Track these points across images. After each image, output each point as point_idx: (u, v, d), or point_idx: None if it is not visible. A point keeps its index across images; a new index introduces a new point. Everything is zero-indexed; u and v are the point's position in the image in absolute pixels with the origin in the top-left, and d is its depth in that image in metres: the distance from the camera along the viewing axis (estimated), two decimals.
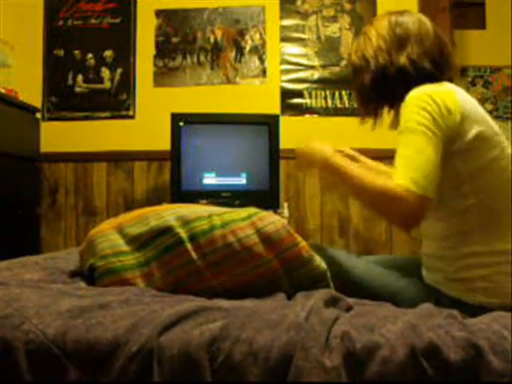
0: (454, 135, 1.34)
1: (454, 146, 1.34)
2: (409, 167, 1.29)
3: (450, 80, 1.50)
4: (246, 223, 1.38)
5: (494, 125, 1.42)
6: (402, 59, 1.49)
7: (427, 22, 1.55)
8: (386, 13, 1.63)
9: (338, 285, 1.42)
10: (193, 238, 1.36)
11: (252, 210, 1.44)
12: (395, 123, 1.54)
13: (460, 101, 1.36)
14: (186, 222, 1.40)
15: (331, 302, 1.17)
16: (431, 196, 1.28)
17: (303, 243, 1.38)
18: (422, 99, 1.35)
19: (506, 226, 1.37)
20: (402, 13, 1.59)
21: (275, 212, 2.82)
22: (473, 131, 1.34)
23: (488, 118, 1.41)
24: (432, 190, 1.28)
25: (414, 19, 1.55)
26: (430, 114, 1.32)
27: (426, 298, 1.37)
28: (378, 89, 1.56)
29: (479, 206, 1.36)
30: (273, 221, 1.39)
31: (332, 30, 3.66)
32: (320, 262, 1.39)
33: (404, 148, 1.33)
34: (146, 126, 3.65)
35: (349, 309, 1.19)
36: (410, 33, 1.52)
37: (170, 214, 1.44)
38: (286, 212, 3.14)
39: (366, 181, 1.36)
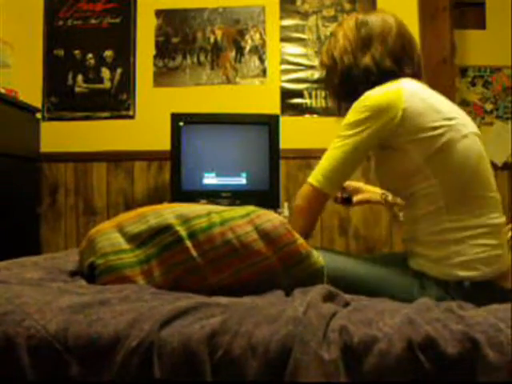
0: (397, 128, 1.47)
1: (401, 137, 1.48)
2: (318, 167, 1.55)
3: (415, 74, 1.63)
4: (244, 220, 1.40)
5: (451, 110, 1.52)
6: (366, 60, 1.61)
7: (391, 20, 1.65)
8: (355, 13, 1.77)
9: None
10: (192, 235, 1.37)
11: (250, 207, 1.45)
12: None
13: (404, 97, 1.47)
14: (185, 220, 1.40)
15: (329, 298, 1.18)
16: (327, 191, 1.54)
17: (301, 240, 1.40)
18: (355, 108, 1.53)
19: (475, 201, 1.47)
20: (368, 13, 1.70)
21: (275, 212, 2.83)
22: (418, 122, 1.46)
23: (443, 106, 1.51)
24: (328, 186, 1.54)
25: (379, 19, 1.65)
26: (356, 120, 1.51)
27: (411, 281, 1.46)
28: (344, 87, 1.67)
29: (442, 185, 1.46)
30: (271, 218, 1.41)
31: (332, 30, 3.67)
32: (317, 257, 1.41)
33: (327, 150, 1.56)
34: (146, 126, 3.66)
35: (346, 304, 1.19)
36: (373, 33, 1.62)
37: (169, 212, 1.45)
38: (286, 212, 3.14)
39: None
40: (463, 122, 1.52)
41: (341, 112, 1.71)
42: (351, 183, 2.10)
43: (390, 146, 1.52)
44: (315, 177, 1.54)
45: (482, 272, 1.42)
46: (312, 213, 1.59)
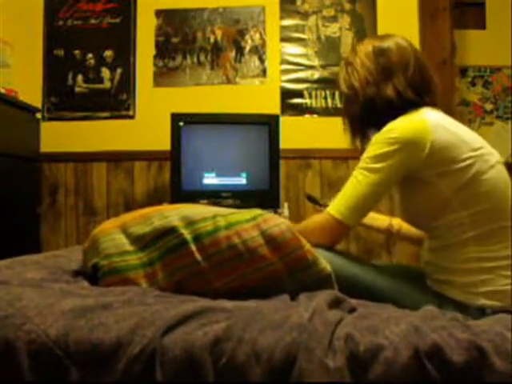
0: (426, 161, 1.44)
1: (429, 170, 1.45)
2: (340, 198, 1.53)
3: (434, 103, 1.61)
4: (250, 225, 1.38)
5: (476, 140, 1.50)
6: (389, 91, 1.59)
7: (407, 45, 1.66)
8: (367, 39, 1.73)
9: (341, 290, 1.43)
10: (197, 238, 1.36)
11: (257, 211, 1.43)
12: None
13: (431, 128, 1.46)
14: (190, 223, 1.39)
15: (335, 303, 1.17)
16: (349, 223, 1.52)
17: (308, 246, 1.37)
18: (382, 139, 1.50)
19: (503, 231, 1.44)
20: (382, 39, 1.68)
21: (275, 212, 2.82)
22: (447, 154, 1.44)
23: (467, 135, 1.49)
24: (351, 218, 1.51)
25: (394, 46, 1.64)
26: (383, 153, 1.48)
27: (429, 299, 1.41)
28: (366, 117, 1.66)
29: (471, 217, 1.44)
30: (278, 223, 1.38)
31: (332, 29, 3.66)
32: (325, 265, 1.38)
33: (348, 182, 1.54)
34: (146, 126, 3.65)
35: (352, 310, 1.18)
36: (392, 62, 1.62)
37: (174, 214, 1.43)
38: (286, 212, 3.13)
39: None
40: (489, 151, 1.49)
41: (354, 142, 1.78)
42: None
43: (417, 178, 1.49)
44: (338, 209, 1.52)
45: (506, 303, 1.39)
46: (331, 244, 1.58)
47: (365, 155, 1.53)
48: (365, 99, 1.63)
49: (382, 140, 1.50)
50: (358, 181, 1.51)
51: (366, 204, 1.52)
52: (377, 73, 1.62)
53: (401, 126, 1.48)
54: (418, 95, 1.59)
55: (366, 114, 1.64)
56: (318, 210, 1.99)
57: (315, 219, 1.59)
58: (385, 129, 1.50)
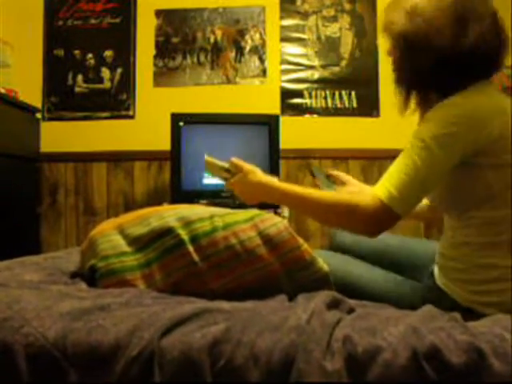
0: (487, 149, 1.27)
1: (487, 159, 1.28)
2: (391, 180, 1.28)
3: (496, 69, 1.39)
4: (248, 225, 1.37)
5: None
6: (467, 41, 1.31)
7: None
8: None
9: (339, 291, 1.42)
10: (194, 239, 1.36)
11: (254, 211, 1.43)
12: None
13: (500, 112, 1.29)
14: (187, 223, 1.39)
15: (333, 304, 1.17)
16: (399, 213, 1.26)
17: (305, 246, 1.37)
18: (442, 117, 1.30)
19: None
20: None
21: (275, 212, 2.82)
22: (505, 146, 1.27)
23: None
24: (402, 208, 1.26)
25: None
26: (446, 133, 1.27)
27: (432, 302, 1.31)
28: (434, 75, 1.37)
29: (509, 219, 1.29)
30: (275, 223, 1.38)
31: (332, 29, 3.66)
32: (322, 264, 1.38)
33: (401, 159, 1.31)
34: (146, 126, 3.65)
35: (350, 311, 1.18)
36: (471, 11, 1.33)
37: (171, 214, 1.43)
38: (285, 212, 3.13)
39: (322, 200, 1.36)
40: None
41: (405, 108, 1.47)
42: (339, 174, 1.92)
43: (469, 163, 1.29)
44: (387, 190, 1.27)
45: None
46: (371, 235, 1.35)
47: (424, 131, 1.30)
48: (440, 48, 1.32)
49: (443, 117, 1.29)
50: (414, 160, 1.27)
51: (422, 190, 1.30)
52: (454, 19, 1.32)
53: (468, 103, 1.29)
54: (494, 57, 1.35)
55: (436, 70, 1.35)
56: (317, 184, 1.83)
57: (356, 199, 1.30)
58: (449, 102, 1.30)
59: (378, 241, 1.43)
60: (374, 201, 1.26)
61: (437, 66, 1.35)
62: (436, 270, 1.46)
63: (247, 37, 3.67)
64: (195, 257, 1.34)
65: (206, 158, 1.63)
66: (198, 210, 1.45)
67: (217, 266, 1.34)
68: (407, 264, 1.67)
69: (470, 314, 1.25)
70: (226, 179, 1.60)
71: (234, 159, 1.57)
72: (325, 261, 1.41)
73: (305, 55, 3.67)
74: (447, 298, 1.37)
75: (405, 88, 1.45)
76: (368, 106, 3.60)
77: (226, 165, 1.59)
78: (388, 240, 1.76)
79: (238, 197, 1.59)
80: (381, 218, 1.27)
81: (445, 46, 1.32)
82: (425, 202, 1.62)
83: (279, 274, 1.35)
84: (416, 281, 1.53)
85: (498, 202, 1.30)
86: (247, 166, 1.56)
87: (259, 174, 1.53)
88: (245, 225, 1.37)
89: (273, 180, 1.52)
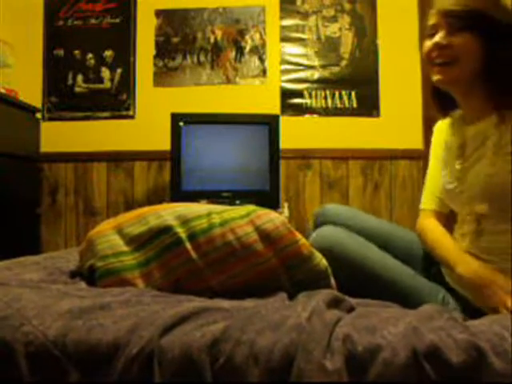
0: None
1: None
2: None
3: None
4: (244, 221, 1.38)
5: None
6: None
7: None
8: None
9: (347, 273, 1.43)
10: (192, 237, 1.36)
11: (251, 207, 1.44)
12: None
13: None
14: (185, 221, 1.39)
15: (333, 303, 1.16)
16: (427, 207, 1.49)
17: (303, 240, 1.38)
18: None
19: None
20: None
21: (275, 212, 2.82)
22: None
23: None
24: (427, 203, 1.49)
25: None
26: None
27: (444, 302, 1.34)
28: None
29: None
30: (271, 218, 1.39)
31: (332, 29, 3.66)
32: (321, 259, 1.39)
33: None
34: (146, 126, 3.65)
35: (351, 309, 1.18)
36: None
37: (168, 213, 1.44)
38: (286, 212, 3.13)
39: None
40: None
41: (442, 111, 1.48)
42: None
43: None
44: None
45: None
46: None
47: None
48: None
49: None
50: None
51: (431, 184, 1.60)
52: None
53: None
54: None
55: None
56: None
57: None
58: None
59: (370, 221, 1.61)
60: None
61: None
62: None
63: (247, 37, 3.67)
64: (193, 254, 1.34)
65: None
66: (195, 208, 1.46)
67: (215, 262, 1.34)
68: (403, 249, 1.67)
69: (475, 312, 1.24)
70: None
71: None
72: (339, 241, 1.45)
73: (305, 55, 3.67)
74: (460, 296, 1.36)
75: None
76: (368, 106, 3.59)
77: None
78: (379, 222, 1.79)
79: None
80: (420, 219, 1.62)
81: None
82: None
83: (277, 269, 1.35)
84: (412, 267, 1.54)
85: None
86: None
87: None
88: (241, 221, 1.38)
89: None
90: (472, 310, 1.28)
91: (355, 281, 1.46)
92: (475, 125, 1.40)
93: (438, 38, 1.35)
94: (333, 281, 1.40)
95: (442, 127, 1.60)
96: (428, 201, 1.62)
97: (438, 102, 1.51)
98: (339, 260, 1.46)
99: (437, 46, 1.35)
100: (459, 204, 1.46)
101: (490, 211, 1.35)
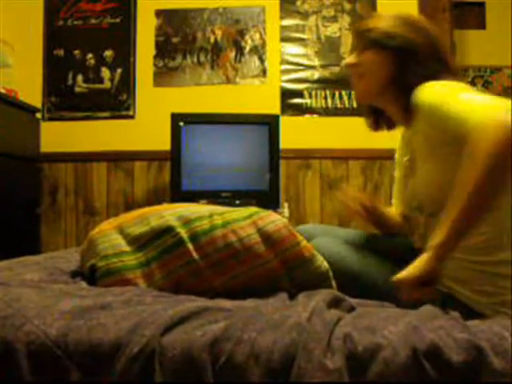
0: None
1: None
2: (488, 101, 1.19)
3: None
4: (247, 222, 1.38)
5: None
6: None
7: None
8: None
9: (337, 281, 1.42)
10: (194, 237, 1.36)
11: (253, 209, 1.44)
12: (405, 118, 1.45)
13: None
14: (186, 222, 1.39)
15: (334, 303, 1.17)
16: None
17: (304, 242, 1.38)
18: (452, 83, 1.31)
19: None
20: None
21: (275, 212, 2.82)
22: None
23: None
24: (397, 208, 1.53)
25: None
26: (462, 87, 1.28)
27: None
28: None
29: None
30: (274, 220, 1.39)
31: (332, 29, 3.66)
32: (322, 261, 1.39)
33: (466, 97, 1.22)
34: (146, 126, 3.65)
35: (351, 309, 1.18)
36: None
37: (170, 213, 1.44)
38: (286, 212, 3.14)
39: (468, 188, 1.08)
40: None
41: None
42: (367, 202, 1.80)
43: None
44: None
45: None
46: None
47: (444, 93, 1.26)
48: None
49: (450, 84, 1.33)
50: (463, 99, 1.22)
51: None
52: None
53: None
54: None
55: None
56: None
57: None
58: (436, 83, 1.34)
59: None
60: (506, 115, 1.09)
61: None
62: None
63: (247, 37, 3.67)
64: (195, 255, 1.34)
65: None
66: (197, 209, 1.46)
67: (217, 263, 1.34)
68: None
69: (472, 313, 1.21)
70: None
71: None
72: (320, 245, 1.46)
73: (305, 55, 3.68)
74: (455, 299, 1.31)
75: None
76: None
77: None
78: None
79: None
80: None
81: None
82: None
83: (279, 271, 1.35)
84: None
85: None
86: None
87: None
88: (244, 222, 1.38)
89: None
90: (468, 310, 1.25)
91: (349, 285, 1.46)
92: (406, 131, 1.55)
93: (348, 58, 1.55)
94: (334, 283, 1.40)
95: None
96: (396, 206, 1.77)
97: (371, 118, 1.64)
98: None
99: (346, 65, 1.56)
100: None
101: (427, 210, 1.41)
